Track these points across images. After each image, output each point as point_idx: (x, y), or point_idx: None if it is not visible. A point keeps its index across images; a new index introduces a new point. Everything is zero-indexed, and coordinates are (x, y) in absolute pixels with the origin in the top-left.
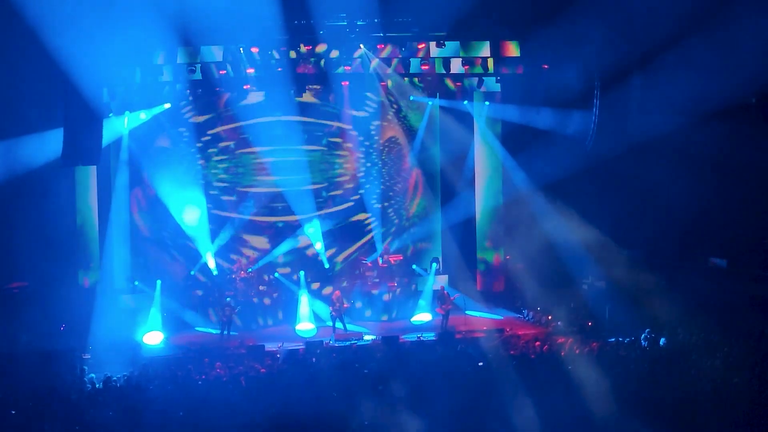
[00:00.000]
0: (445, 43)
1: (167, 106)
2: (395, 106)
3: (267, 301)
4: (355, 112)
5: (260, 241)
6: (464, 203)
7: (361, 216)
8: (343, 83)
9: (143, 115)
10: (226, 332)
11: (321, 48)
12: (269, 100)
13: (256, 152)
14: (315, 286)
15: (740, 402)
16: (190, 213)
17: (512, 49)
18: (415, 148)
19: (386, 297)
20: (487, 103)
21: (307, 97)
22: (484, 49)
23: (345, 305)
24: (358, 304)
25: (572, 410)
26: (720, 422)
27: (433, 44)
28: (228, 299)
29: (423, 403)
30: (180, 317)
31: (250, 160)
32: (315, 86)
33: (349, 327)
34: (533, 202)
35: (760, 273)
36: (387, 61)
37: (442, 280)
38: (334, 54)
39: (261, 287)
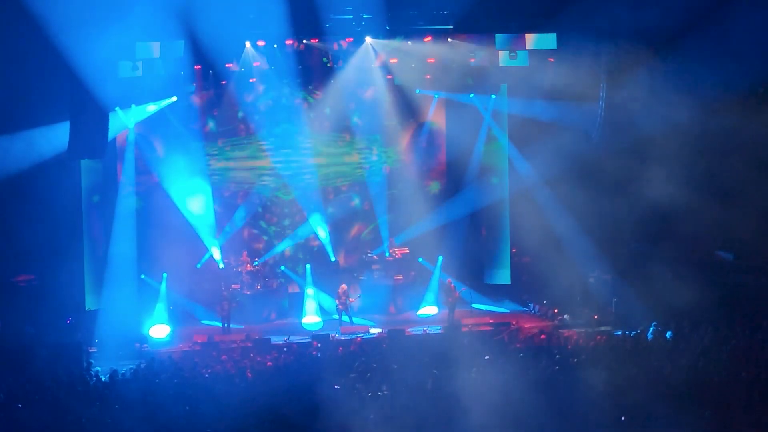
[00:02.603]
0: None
1: (173, 99)
2: (401, 99)
3: (274, 292)
4: (360, 105)
5: (266, 234)
6: (471, 196)
7: (366, 208)
8: (348, 76)
9: (152, 107)
10: (227, 325)
11: (327, 41)
12: (275, 93)
13: (262, 144)
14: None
15: (748, 396)
16: (196, 205)
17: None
18: (421, 141)
19: (392, 290)
20: (493, 96)
21: (313, 90)
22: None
23: (351, 300)
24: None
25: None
26: (727, 417)
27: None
28: (225, 293)
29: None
30: (186, 310)
31: (256, 153)
32: (321, 79)
33: (355, 320)
34: (539, 195)
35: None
36: (393, 54)
37: (449, 273)
38: (340, 47)
39: (267, 280)
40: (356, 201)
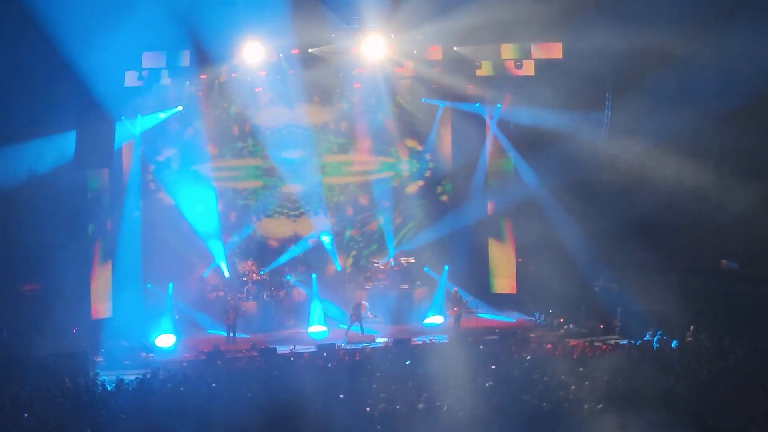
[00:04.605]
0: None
1: (179, 108)
2: (407, 108)
3: (280, 302)
4: (366, 114)
5: (272, 244)
6: (477, 205)
7: (372, 217)
8: (354, 85)
9: (158, 116)
10: (231, 335)
11: (332, 50)
12: (281, 102)
13: (268, 154)
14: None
15: (753, 404)
16: (202, 214)
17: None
18: (426, 150)
19: (398, 299)
20: (499, 105)
21: (319, 99)
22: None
23: (369, 315)
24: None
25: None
26: (734, 424)
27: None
28: (231, 302)
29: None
30: (192, 320)
31: (262, 162)
32: (326, 88)
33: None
34: (545, 203)
35: None
36: (399, 63)
37: (455, 283)
38: (346, 56)
39: (273, 290)
40: (362, 210)
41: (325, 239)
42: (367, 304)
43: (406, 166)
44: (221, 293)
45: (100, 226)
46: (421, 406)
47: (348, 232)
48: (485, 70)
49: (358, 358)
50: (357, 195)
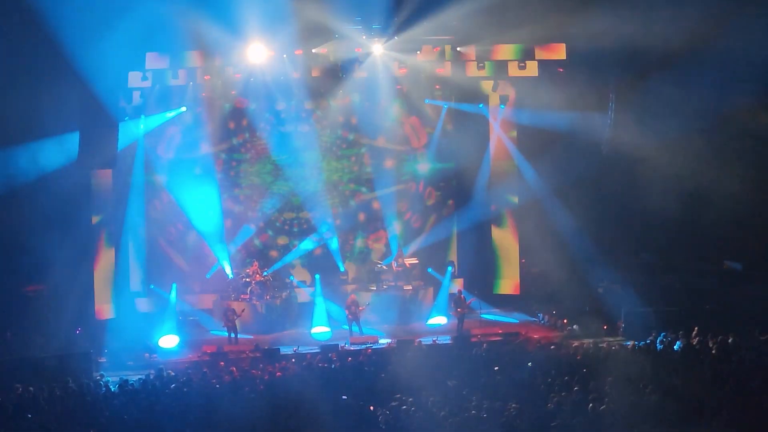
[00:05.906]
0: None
1: (183, 109)
2: (410, 109)
3: (283, 303)
4: (369, 114)
5: (276, 245)
6: (480, 206)
7: (376, 218)
8: (358, 87)
9: (162, 117)
10: (233, 335)
11: (336, 51)
12: (284, 102)
13: (272, 154)
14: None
15: (757, 406)
16: (206, 215)
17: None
18: (430, 151)
19: (401, 300)
20: (502, 106)
21: (322, 100)
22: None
23: (360, 308)
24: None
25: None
26: (737, 426)
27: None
28: (229, 303)
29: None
30: (195, 320)
31: (266, 163)
32: (329, 89)
33: (365, 330)
34: (548, 204)
35: None
36: (402, 64)
37: (458, 284)
38: (349, 57)
39: (276, 290)
40: (366, 211)
41: (328, 240)
42: (355, 296)
43: (409, 167)
44: (224, 294)
45: (103, 226)
46: (425, 406)
47: (358, 241)
48: (488, 71)
49: (361, 359)
50: (360, 195)
